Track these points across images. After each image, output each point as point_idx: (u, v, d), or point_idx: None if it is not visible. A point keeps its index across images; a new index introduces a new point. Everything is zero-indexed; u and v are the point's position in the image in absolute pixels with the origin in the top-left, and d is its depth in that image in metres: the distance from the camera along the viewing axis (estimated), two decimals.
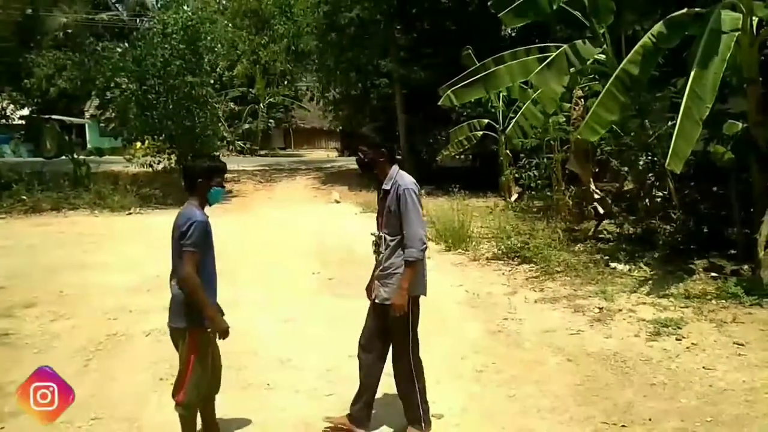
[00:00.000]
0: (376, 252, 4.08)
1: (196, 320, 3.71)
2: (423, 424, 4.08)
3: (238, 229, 12.74)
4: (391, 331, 4.03)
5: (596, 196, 11.18)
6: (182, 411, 3.80)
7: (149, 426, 4.32)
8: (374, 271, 4.15)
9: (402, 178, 3.94)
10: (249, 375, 5.24)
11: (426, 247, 3.90)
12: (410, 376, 4.03)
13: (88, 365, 5.52)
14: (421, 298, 4.07)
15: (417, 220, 3.84)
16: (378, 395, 4.24)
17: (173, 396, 3.83)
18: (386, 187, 3.96)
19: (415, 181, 3.98)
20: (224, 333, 3.77)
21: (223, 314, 3.87)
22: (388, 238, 3.96)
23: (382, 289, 3.98)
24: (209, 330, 3.76)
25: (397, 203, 3.86)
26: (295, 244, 11.23)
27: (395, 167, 4.02)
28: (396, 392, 4.21)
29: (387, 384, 4.28)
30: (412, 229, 3.82)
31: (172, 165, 20.79)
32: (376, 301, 4.05)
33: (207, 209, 3.87)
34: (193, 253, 3.65)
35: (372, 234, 4.12)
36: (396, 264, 3.92)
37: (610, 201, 11.00)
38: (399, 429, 4.22)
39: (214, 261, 3.89)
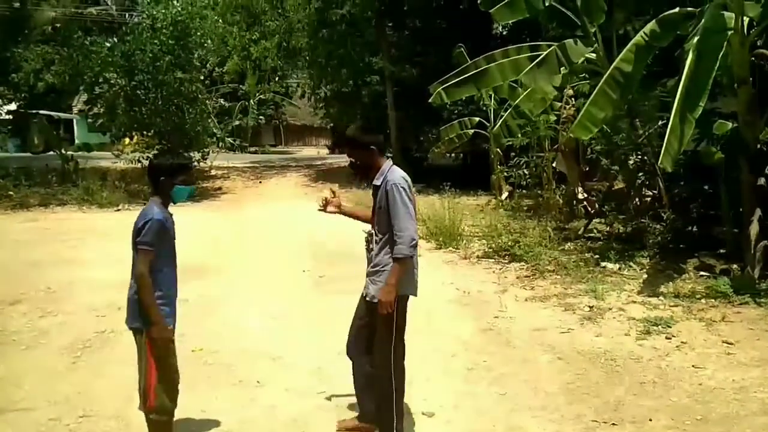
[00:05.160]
0: (368, 249, 3.94)
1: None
2: None
3: (227, 226, 12.66)
4: (374, 331, 3.84)
5: (579, 197, 11.21)
6: (157, 416, 3.64)
7: (137, 423, 4.25)
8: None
9: (392, 173, 3.75)
10: (239, 372, 5.22)
11: (416, 244, 3.68)
12: (389, 382, 3.78)
13: (76, 362, 5.47)
14: (411, 299, 3.92)
15: (405, 216, 3.64)
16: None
17: (143, 405, 3.66)
18: (377, 182, 3.79)
19: (405, 175, 3.79)
20: (164, 341, 3.60)
21: (173, 317, 3.74)
22: (378, 235, 3.82)
23: (372, 286, 3.82)
24: (171, 328, 3.65)
25: (386, 199, 3.69)
26: (286, 242, 11.17)
27: (388, 162, 3.85)
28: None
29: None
30: (401, 224, 3.63)
31: None
32: (366, 298, 3.88)
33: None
34: (147, 251, 3.52)
35: (364, 231, 4.00)
36: (384, 261, 3.76)
37: (594, 200, 11.03)
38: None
39: (173, 260, 3.76)
